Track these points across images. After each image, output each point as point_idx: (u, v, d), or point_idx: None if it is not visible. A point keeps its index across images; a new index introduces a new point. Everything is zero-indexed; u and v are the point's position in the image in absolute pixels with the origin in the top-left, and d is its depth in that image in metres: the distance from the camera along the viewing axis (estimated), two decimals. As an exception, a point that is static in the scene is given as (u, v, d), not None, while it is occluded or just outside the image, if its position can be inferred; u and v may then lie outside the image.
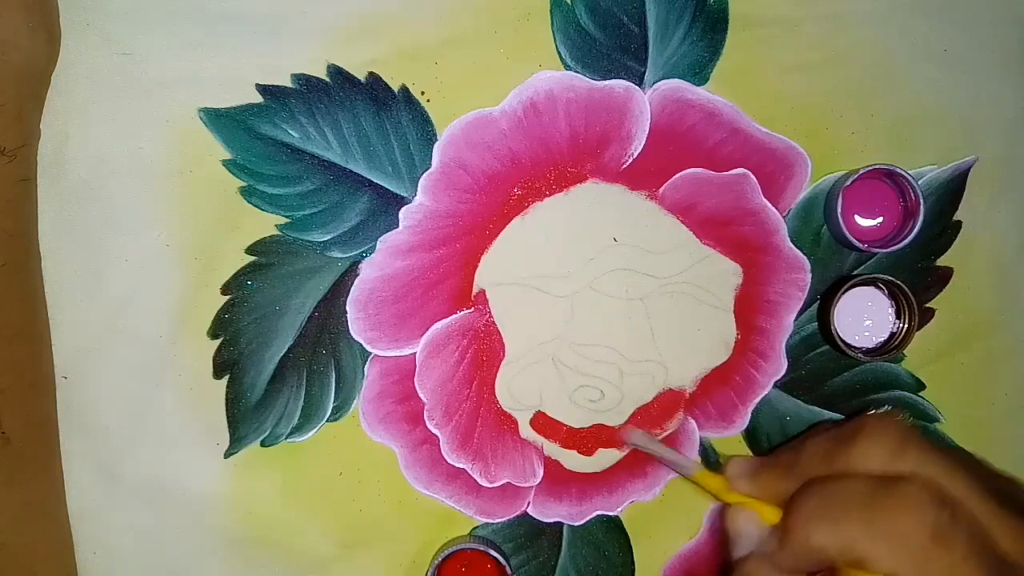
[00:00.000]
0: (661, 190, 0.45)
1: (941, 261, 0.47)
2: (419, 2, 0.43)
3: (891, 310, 0.45)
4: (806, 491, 0.32)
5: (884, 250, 0.44)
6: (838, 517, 0.30)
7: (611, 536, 0.46)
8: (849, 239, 0.44)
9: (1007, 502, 0.30)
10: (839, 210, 0.44)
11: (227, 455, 0.44)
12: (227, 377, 0.43)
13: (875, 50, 0.46)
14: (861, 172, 0.43)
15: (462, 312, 0.44)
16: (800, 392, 0.46)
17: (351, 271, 0.44)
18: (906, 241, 0.44)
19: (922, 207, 0.43)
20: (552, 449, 0.45)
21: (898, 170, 0.44)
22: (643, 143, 0.45)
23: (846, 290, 0.44)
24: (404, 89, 0.43)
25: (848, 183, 0.44)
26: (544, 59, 0.44)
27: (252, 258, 0.43)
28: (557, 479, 0.45)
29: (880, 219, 0.45)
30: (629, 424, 0.45)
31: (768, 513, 0.34)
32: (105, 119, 0.42)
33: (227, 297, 0.43)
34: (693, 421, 0.46)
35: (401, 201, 0.44)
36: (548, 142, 0.44)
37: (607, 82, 0.44)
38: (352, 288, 0.44)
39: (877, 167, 0.44)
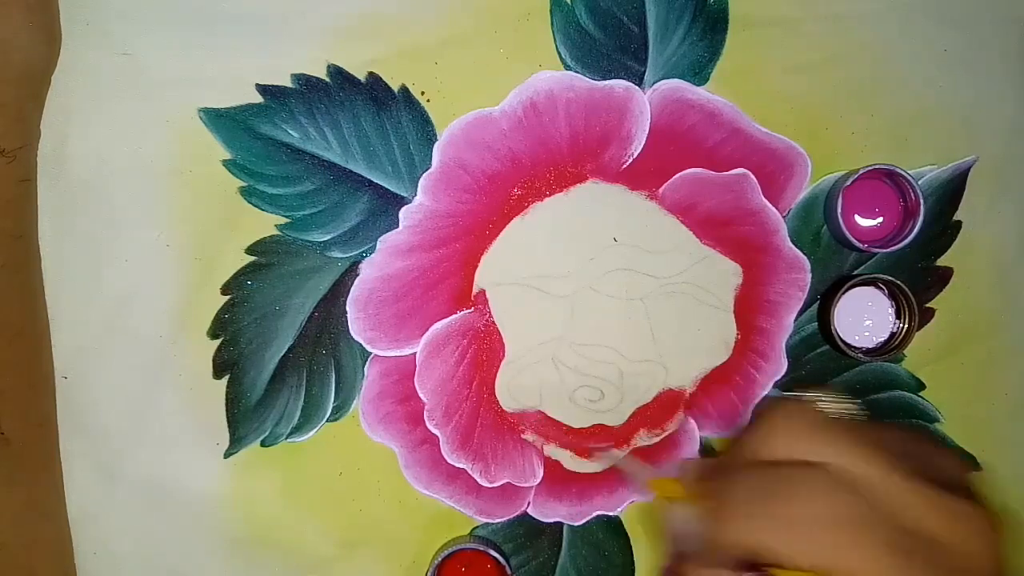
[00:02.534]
0: (661, 190, 0.45)
1: (941, 261, 0.47)
2: (419, 2, 0.43)
3: (891, 310, 0.45)
4: (718, 488, 0.31)
5: (884, 250, 0.44)
6: (746, 512, 0.29)
7: (611, 536, 0.46)
8: (849, 239, 0.44)
9: (931, 478, 0.29)
10: (839, 210, 0.44)
11: (227, 455, 0.44)
12: (227, 377, 0.43)
13: (875, 50, 0.46)
14: (861, 172, 0.43)
15: (462, 312, 0.44)
16: (800, 392, 0.46)
17: (351, 271, 0.44)
18: (906, 241, 0.44)
19: (922, 207, 0.43)
20: (552, 449, 0.45)
21: (898, 170, 0.44)
22: (643, 143, 0.45)
23: (846, 290, 0.44)
24: (404, 89, 0.43)
25: (848, 183, 0.44)
26: (544, 59, 0.44)
27: (252, 258, 0.43)
28: (557, 479, 0.45)
29: (880, 219, 0.45)
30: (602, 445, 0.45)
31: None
32: (105, 119, 0.42)
33: (227, 297, 0.43)
34: (693, 421, 0.46)
35: (401, 201, 0.44)
36: (548, 142, 0.44)
37: (607, 82, 0.44)
38: (352, 288, 0.44)
39: (877, 167, 0.44)
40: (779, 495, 0.28)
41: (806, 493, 0.28)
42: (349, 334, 0.44)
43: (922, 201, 0.43)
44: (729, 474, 0.31)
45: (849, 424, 0.30)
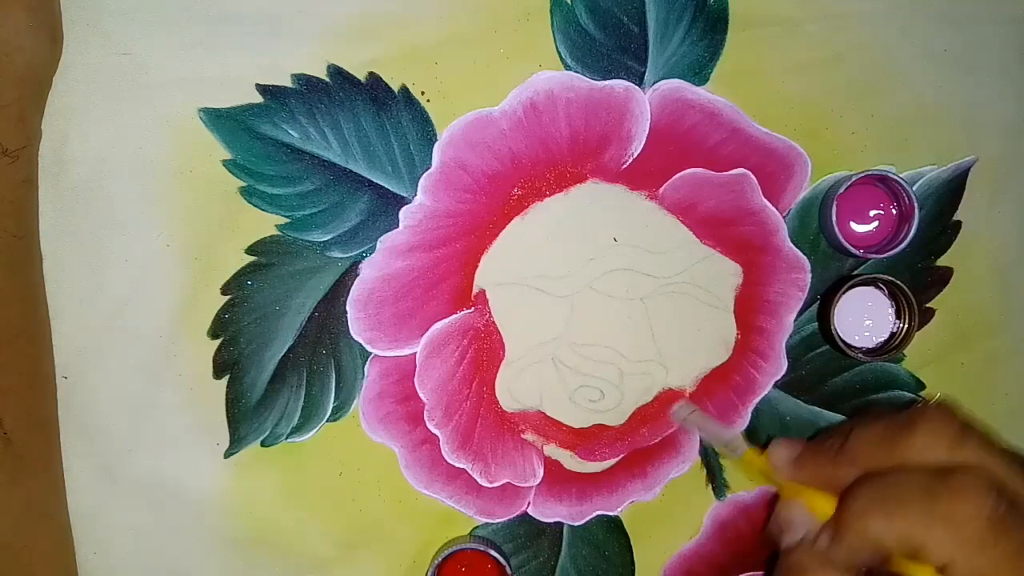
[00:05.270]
0: (661, 190, 0.45)
1: (941, 261, 0.47)
2: (419, 2, 0.43)
3: (891, 310, 0.45)
4: (862, 484, 0.32)
5: (879, 256, 0.44)
6: (895, 507, 0.30)
7: (611, 536, 0.46)
8: (845, 246, 0.44)
9: None
10: (833, 218, 0.44)
11: (227, 455, 0.44)
12: (227, 377, 0.43)
13: (875, 50, 0.46)
14: (854, 179, 0.43)
15: (462, 312, 0.44)
16: (800, 392, 0.46)
17: (351, 271, 0.44)
18: (902, 246, 0.44)
19: (916, 211, 0.43)
20: (552, 449, 0.45)
21: (891, 174, 0.44)
22: (643, 143, 0.45)
23: (846, 290, 0.44)
24: (404, 89, 0.43)
25: (841, 191, 0.44)
26: (544, 59, 0.44)
27: (252, 258, 0.43)
28: (557, 479, 0.45)
29: (875, 224, 0.45)
30: (681, 400, 0.45)
31: (819, 502, 0.34)
32: (105, 119, 0.42)
33: (227, 297, 0.43)
34: (693, 421, 0.46)
35: (401, 201, 0.44)
36: (548, 142, 0.44)
37: (607, 82, 0.44)
38: (352, 288, 0.44)
39: (870, 173, 0.44)
40: (939, 494, 0.29)
41: (966, 493, 0.29)
42: (349, 334, 0.44)
43: (916, 205, 0.43)
44: (856, 469, 0.32)
45: (987, 433, 0.31)
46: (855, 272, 0.46)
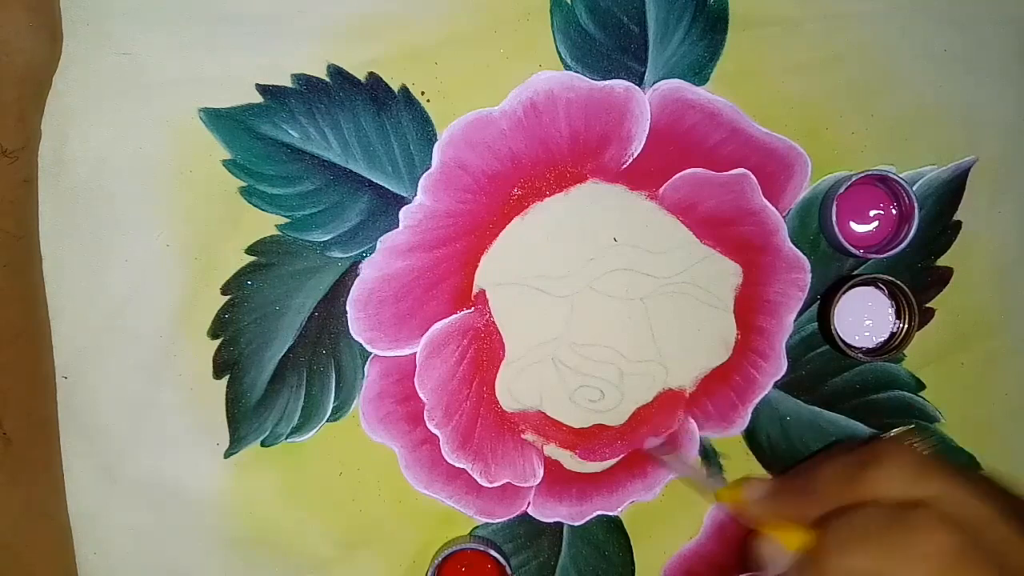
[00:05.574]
0: (661, 190, 0.45)
1: (941, 261, 0.47)
2: (419, 2, 0.43)
3: (891, 310, 0.45)
4: (828, 522, 0.32)
5: (880, 256, 0.44)
6: (858, 545, 0.30)
7: (611, 536, 0.46)
8: (845, 246, 0.44)
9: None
10: (833, 218, 0.44)
11: (227, 455, 0.44)
12: (227, 377, 0.43)
13: (875, 50, 0.46)
14: (854, 179, 0.43)
15: (462, 312, 0.44)
16: (800, 392, 0.46)
17: (351, 271, 0.44)
18: (902, 246, 0.44)
19: (916, 211, 0.43)
20: (552, 449, 0.45)
21: (891, 174, 0.44)
22: (643, 143, 0.45)
23: (846, 290, 0.44)
24: (404, 89, 0.43)
25: (841, 191, 0.44)
26: (544, 59, 0.44)
27: (252, 258, 0.43)
28: (557, 479, 0.45)
29: (875, 224, 0.45)
30: (650, 435, 0.45)
31: (793, 536, 0.35)
32: (105, 119, 0.42)
33: (227, 297, 0.43)
34: (693, 421, 0.46)
35: (401, 201, 0.44)
36: (548, 142, 0.44)
37: (607, 82, 0.44)
38: (352, 288, 0.44)
39: (870, 173, 0.44)
40: (903, 530, 0.29)
41: (930, 529, 0.29)
42: (349, 334, 0.44)
43: (916, 205, 0.43)
44: (823, 504, 0.33)
45: (951, 464, 0.32)
46: (855, 272, 0.46)
